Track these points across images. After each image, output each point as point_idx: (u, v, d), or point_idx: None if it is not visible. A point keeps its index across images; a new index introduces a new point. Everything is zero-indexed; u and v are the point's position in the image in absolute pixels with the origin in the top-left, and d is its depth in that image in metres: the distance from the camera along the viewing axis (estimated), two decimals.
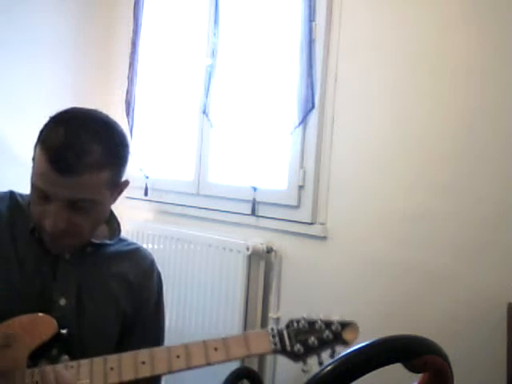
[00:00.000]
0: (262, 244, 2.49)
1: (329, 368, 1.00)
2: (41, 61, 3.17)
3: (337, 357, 1.02)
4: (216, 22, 2.80)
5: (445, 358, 1.06)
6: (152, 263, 1.45)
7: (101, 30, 3.39)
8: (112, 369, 1.14)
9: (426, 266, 2.04)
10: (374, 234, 2.20)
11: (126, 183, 1.34)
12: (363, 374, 1.00)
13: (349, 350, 1.02)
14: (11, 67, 3.07)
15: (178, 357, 1.15)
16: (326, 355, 1.17)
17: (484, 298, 1.90)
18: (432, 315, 2.01)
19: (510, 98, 1.89)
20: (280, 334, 1.18)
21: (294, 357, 1.17)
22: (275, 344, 1.17)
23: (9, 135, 2.98)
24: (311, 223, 2.39)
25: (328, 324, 1.19)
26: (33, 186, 1.24)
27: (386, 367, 1.02)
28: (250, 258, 2.48)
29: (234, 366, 2.39)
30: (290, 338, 1.17)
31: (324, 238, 2.35)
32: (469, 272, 1.94)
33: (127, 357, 1.16)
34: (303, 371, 1.15)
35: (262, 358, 2.52)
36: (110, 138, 1.25)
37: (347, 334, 1.17)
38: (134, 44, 3.20)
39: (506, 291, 1.84)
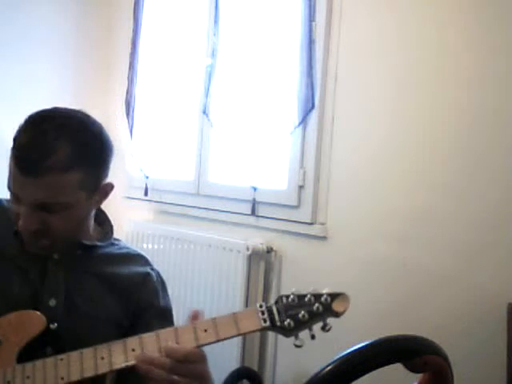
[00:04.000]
0: (261, 244, 2.49)
1: (329, 368, 1.00)
2: (41, 61, 3.17)
3: (336, 357, 1.02)
4: (216, 22, 2.80)
5: (445, 358, 1.06)
6: (147, 267, 1.42)
7: (101, 29, 3.39)
8: (102, 358, 1.14)
9: (426, 266, 2.04)
10: (374, 233, 2.20)
11: (111, 186, 1.31)
12: (363, 374, 1.00)
13: (349, 351, 1.02)
14: (11, 67, 3.07)
15: (167, 341, 1.14)
16: (317, 328, 1.16)
17: (484, 298, 1.90)
18: (432, 315, 2.01)
19: (510, 97, 1.89)
20: (269, 310, 1.15)
21: (285, 332, 1.15)
22: (265, 321, 1.15)
23: (8, 135, 2.97)
24: (311, 223, 2.39)
25: (317, 296, 1.16)
26: (8, 186, 1.24)
27: (386, 367, 1.02)
28: (250, 258, 2.48)
29: (234, 365, 2.39)
30: (279, 313, 1.15)
31: (324, 237, 2.35)
32: (469, 272, 1.94)
33: (117, 345, 1.15)
34: (295, 346, 1.13)
35: (261, 357, 2.52)
36: (82, 139, 1.22)
37: (337, 306, 1.15)
38: (133, 44, 3.19)
39: (506, 291, 1.84)
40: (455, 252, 1.98)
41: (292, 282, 2.46)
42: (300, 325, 1.15)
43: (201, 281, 2.66)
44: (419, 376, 1.08)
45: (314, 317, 1.15)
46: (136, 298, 1.36)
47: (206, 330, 1.15)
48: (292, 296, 1.17)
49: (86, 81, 3.33)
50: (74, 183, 1.20)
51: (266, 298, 2.52)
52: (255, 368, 2.48)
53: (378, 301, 2.15)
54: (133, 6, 3.20)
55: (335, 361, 1.01)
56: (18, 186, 1.20)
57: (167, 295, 1.45)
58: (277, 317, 1.15)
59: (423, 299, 2.05)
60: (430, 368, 1.05)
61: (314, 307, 1.16)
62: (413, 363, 1.04)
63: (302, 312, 1.15)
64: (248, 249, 2.46)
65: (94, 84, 3.36)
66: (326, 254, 2.34)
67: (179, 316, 2.77)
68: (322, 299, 1.16)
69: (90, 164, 1.23)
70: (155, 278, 1.42)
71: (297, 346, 1.14)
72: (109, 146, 1.29)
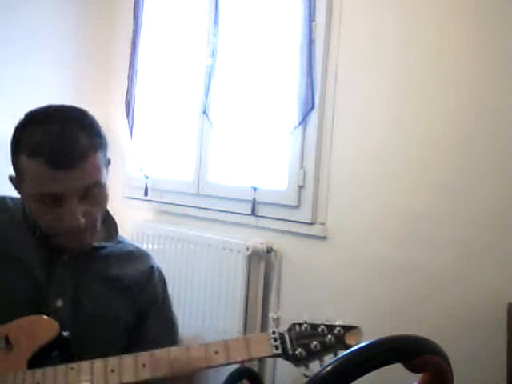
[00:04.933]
0: (261, 244, 2.49)
1: (329, 368, 1.00)
2: (41, 61, 3.17)
3: (337, 357, 1.02)
4: (216, 22, 2.80)
5: (445, 358, 1.06)
6: (150, 264, 1.43)
7: (101, 30, 3.39)
8: (113, 371, 1.14)
9: (426, 266, 2.04)
10: (374, 233, 2.20)
11: (110, 161, 1.35)
12: (363, 374, 1.00)
13: (349, 350, 1.02)
14: (11, 67, 3.07)
15: (178, 360, 1.15)
16: (328, 359, 1.15)
17: (484, 298, 1.90)
18: (432, 315, 2.01)
19: (511, 97, 1.89)
20: (281, 337, 1.16)
21: (296, 361, 1.15)
22: (276, 348, 1.15)
23: (8, 135, 2.97)
24: (311, 223, 2.39)
25: (331, 328, 1.17)
26: (33, 196, 1.22)
27: (386, 367, 1.02)
28: (249, 258, 2.48)
29: (233, 366, 2.39)
30: (291, 341, 1.16)
31: (324, 237, 2.35)
32: (469, 272, 1.94)
33: (128, 359, 1.15)
34: (305, 376, 1.13)
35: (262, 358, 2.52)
36: (88, 122, 1.26)
37: (350, 339, 1.16)
38: (134, 44, 3.20)
39: (506, 291, 1.84)
40: (455, 252, 1.98)
41: (292, 282, 2.46)
42: (311, 355, 1.16)
43: (201, 281, 2.66)
44: (419, 376, 1.08)
45: (326, 348, 1.16)
46: (142, 297, 1.38)
47: (217, 352, 1.16)
48: (305, 325, 1.18)
49: (87, 81, 3.33)
50: (101, 161, 1.25)
51: (265, 298, 2.52)
52: (255, 368, 2.48)
53: (378, 301, 2.15)
54: (133, 5, 3.20)
55: (335, 361, 1.01)
56: (58, 185, 1.19)
57: (167, 291, 1.46)
58: (289, 345, 1.16)
59: (423, 299, 2.05)
60: (430, 368, 1.05)
61: (327, 338, 1.16)
62: (413, 363, 1.04)
63: (315, 342, 1.16)
64: (248, 249, 2.46)
65: (94, 84, 3.36)
66: (326, 254, 2.34)
67: (179, 316, 2.77)
68: (335, 331, 1.17)
69: (103, 142, 1.27)
70: (157, 274, 1.43)
71: (306, 376, 1.13)
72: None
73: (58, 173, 1.17)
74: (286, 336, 1.16)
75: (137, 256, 1.43)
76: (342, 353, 1.15)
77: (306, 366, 1.15)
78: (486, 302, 1.89)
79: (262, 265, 2.51)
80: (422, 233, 2.06)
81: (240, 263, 2.48)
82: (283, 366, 2.45)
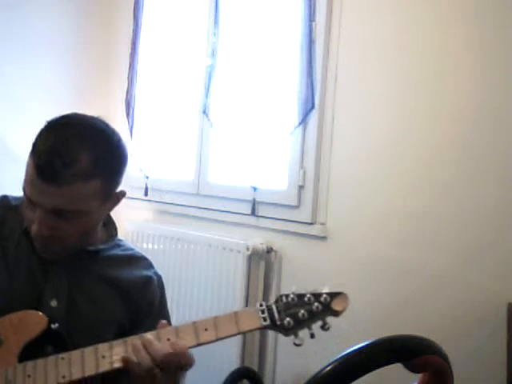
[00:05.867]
0: (261, 244, 2.49)
1: (329, 368, 1.00)
2: (41, 61, 3.17)
3: (337, 357, 1.02)
4: (216, 22, 2.80)
5: (445, 357, 1.06)
6: (149, 270, 1.42)
7: (101, 30, 3.39)
8: (104, 357, 1.15)
9: (426, 266, 2.04)
10: (374, 234, 2.20)
11: (122, 194, 1.32)
12: (363, 374, 1.00)
13: (349, 350, 1.02)
14: (11, 67, 3.06)
15: (168, 340, 1.16)
16: (317, 327, 1.18)
17: (484, 298, 1.90)
18: (432, 315, 2.01)
19: (511, 97, 1.89)
20: (269, 309, 1.18)
21: (285, 331, 1.17)
22: (265, 319, 1.17)
23: (8, 135, 2.97)
24: (311, 223, 2.39)
25: (317, 296, 1.19)
26: (23, 190, 1.24)
27: (386, 367, 1.02)
28: (250, 258, 2.48)
29: (234, 365, 2.39)
30: (279, 312, 1.17)
31: (324, 237, 2.34)
32: (469, 272, 1.94)
33: (118, 345, 1.16)
34: (295, 344, 1.16)
35: (261, 357, 2.52)
36: (102, 148, 1.23)
37: (337, 305, 1.18)
38: (133, 44, 3.20)
39: (506, 291, 1.84)
40: (455, 252, 1.98)
41: (292, 282, 2.44)
42: (299, 324, 1.17)
43: (201, 281, 2.66)
44: (419, 376, 1.08)
45: (313, 316, 1.17)
46: (137, 301, 1.37)
47: (206, 329, 1.17)
48: (292, 295, 1.20)
49: (86, 81, 3.33)
50: (92, 192, 1.21)
51: (266, 298, 2.52)
52: (255, 368, 2.48)
53: (377, 301, 2.15)
54: (133, 5, 3.20)
55: (335, 361, 1.01)
56: (36, 192, 1.19)
57: (166, 301, 1.45)
58: (277, 316, 1.17)
59: (423, 299, 2.05)
60: (430, 368, 1.05)
61: (314, 306, 1.18)
62: (413, 363, 1.04)
63: (302, 311, 1.17)
64: (248, 249, 2.46)
65: (94, 84, 3.35)
66: (326, 254, 2.34)
67: (179, 316, 2.78)
68: (322, 298, 1.18)
69: (108, 173, 1.25)
70: (156, 283, 1.42)
71: (296, 345, 1.15)
72: (126, 155, 1.30)
73: (38, 180, 1.18)
74: (274, 307, 1.18)
75: (136, 260, 1.42)
76: (331, 320, 1.17)
77: (296, 335, 1.17)
78: (485, 302, 1.89)
79: (262, 265, 2.51)
80: (422, 233, 2.06)
81: (240, 263, 2.48)
82: (283, 365, 2.46)
